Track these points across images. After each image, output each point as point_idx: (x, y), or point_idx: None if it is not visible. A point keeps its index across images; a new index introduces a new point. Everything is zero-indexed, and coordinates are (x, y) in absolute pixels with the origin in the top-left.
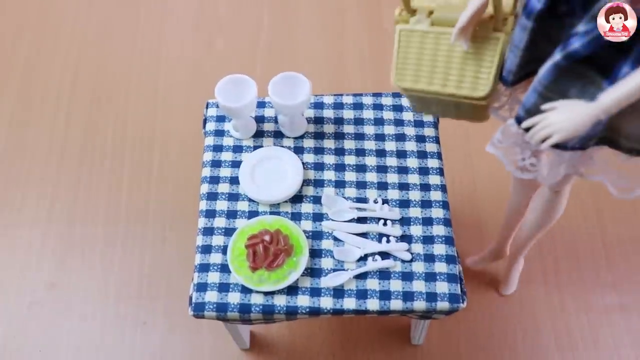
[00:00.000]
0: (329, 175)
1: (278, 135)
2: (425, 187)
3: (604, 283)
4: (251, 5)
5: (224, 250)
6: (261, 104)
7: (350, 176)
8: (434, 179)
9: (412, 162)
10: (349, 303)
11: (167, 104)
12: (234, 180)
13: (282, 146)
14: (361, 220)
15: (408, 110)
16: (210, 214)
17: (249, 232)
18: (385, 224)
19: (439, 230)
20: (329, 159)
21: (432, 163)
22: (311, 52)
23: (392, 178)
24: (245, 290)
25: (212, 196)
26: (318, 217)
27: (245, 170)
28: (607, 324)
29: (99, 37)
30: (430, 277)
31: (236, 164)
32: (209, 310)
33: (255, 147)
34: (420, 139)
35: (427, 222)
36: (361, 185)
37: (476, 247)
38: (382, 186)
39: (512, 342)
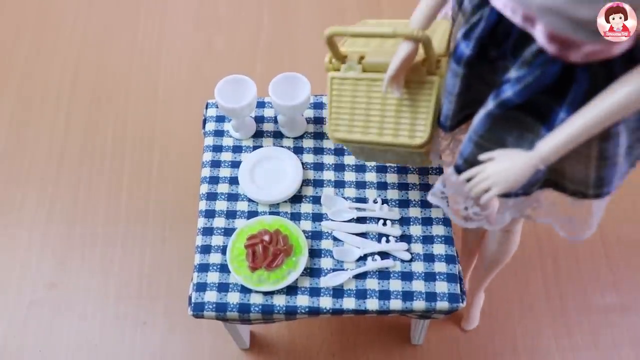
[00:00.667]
0: (329, 175)
1: (278, 135)
2: (425, 187)
3: (604, 283)
4: (251, 5)
5: (223, 250)
6: (261, 104)
7: (349, 176)
8: (434, 179)
9: None
10: (349, 303)
11: (167, 104)
12: (234, 181)
13: (282, 146)
14: (361, 220)
15: None
16: (210, 214)
17: (248, 232)
18: (384, 224)
19: (438, 230)
20: (329, 159)
21: None
22: (311, 52)
23: (392, 178)
24: (245, 290)
25: (212, 196)
26: (317, 217)
27: (245, 171)
28: (607, 324)
29: (99, 37)
30: (429, 276)
31: (236, 164)
32: (208, 310)
33: (255, 147)
34: None
35: (427, 222)
36: (360, 185)
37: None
38: (382, 186)
39: (512, 342)
